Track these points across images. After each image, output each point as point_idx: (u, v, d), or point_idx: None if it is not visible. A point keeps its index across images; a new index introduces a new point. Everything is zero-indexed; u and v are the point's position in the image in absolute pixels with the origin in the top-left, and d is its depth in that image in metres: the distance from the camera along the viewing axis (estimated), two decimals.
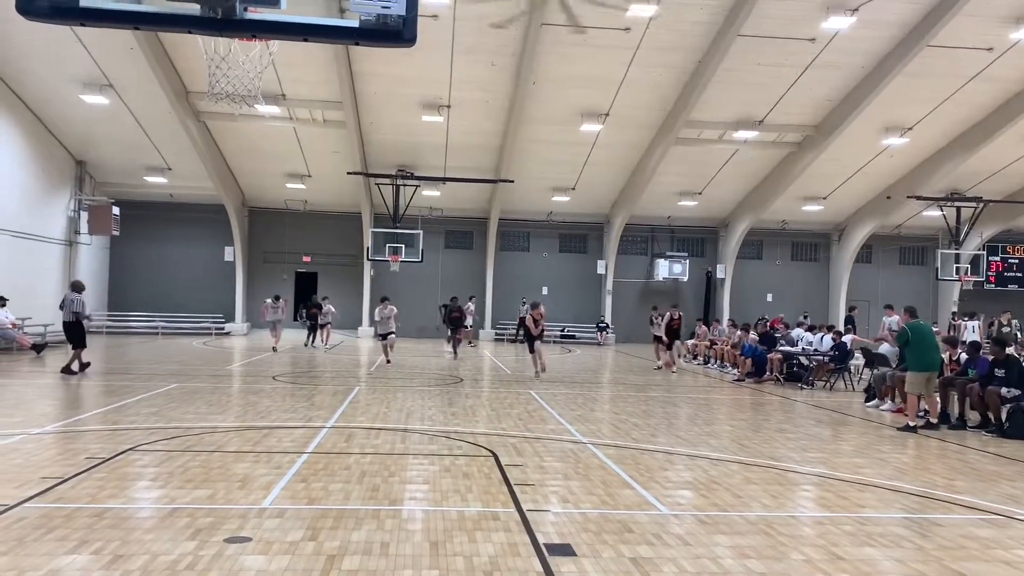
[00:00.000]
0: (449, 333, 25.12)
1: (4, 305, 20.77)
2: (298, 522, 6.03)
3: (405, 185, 29.35)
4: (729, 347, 21.61)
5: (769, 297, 35.27)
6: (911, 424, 11.88)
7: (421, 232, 30.29)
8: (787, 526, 6.41)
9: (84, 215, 28.81)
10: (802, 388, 17.55)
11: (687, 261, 34.39)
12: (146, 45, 21.74)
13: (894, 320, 19.28)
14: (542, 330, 18.56)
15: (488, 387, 16.17)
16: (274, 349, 24.09)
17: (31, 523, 5.80)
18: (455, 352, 24.16)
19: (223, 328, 31.94)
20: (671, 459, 9.04)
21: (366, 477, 7.58)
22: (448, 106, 25.51)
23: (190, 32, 4.49)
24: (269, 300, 25.09)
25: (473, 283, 33.37)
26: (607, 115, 25.84)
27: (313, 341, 27.15)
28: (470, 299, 31.18)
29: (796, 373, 18.79)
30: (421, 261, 30.27)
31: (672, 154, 27.86)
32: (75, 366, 16.06)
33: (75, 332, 16.19)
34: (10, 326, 20.47)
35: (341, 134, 27.12)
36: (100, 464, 7.78)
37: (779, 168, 29.98)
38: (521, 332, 29.14)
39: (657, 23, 21.09)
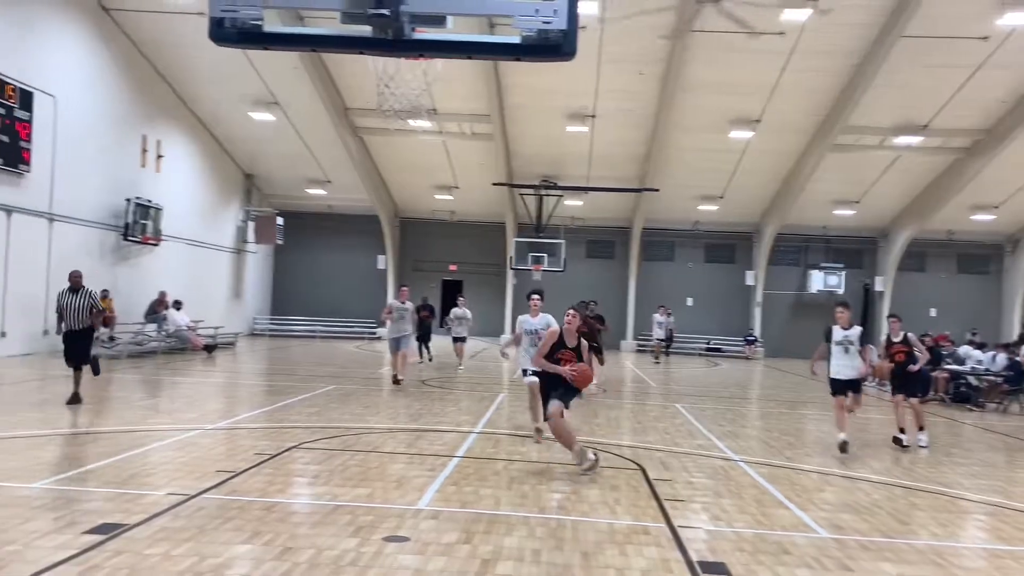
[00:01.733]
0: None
1: (180, 308, 22.45)
2: (452, 524, 6.18)
3: (548, 195, 29.62)
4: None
5: (933, 312, 33.06)
6: None
7: (564, 241, 30.47)
8: (960, 557, 6.00)
9: (251, 225, 30.80)
10: (971, 410, 16.38)
11: (843, 273, 32.79)
12: (310, 65, 23.02)
13: None
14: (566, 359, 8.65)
15: (631, 399, 16.03)
16: (396, 380, 15.62)
17: (209, 513, 6.23)
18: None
19: (375, 333, 33.23)
20: (828, 480, 8.66)
21: (515, 484, 7.68)
22: (593, 116, 25.56)
23: (362, 52, 4.73)
24: (394, 300, 16.78)
25: (615, 293, 33.18)
26: (758, 121, 25.13)
27: (427, 355, 21.69)
28: (659, 307, 28.15)
29: (964, 394, 17.55)
30: (563, 270, 30.41)
31: (828, 161, 26.75)
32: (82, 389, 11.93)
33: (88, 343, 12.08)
34: (186, 328, 22.10)
35: (487, 146, 27.70)
36: (268, 460, 8.27)
37: (945, 175, 28.17)
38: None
39: (813, 26, 20.33)
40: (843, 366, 10.45)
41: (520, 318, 10.61)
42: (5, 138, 17.39)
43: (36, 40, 18.66)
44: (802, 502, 7.47)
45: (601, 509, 6.88)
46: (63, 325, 11.85)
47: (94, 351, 12.52)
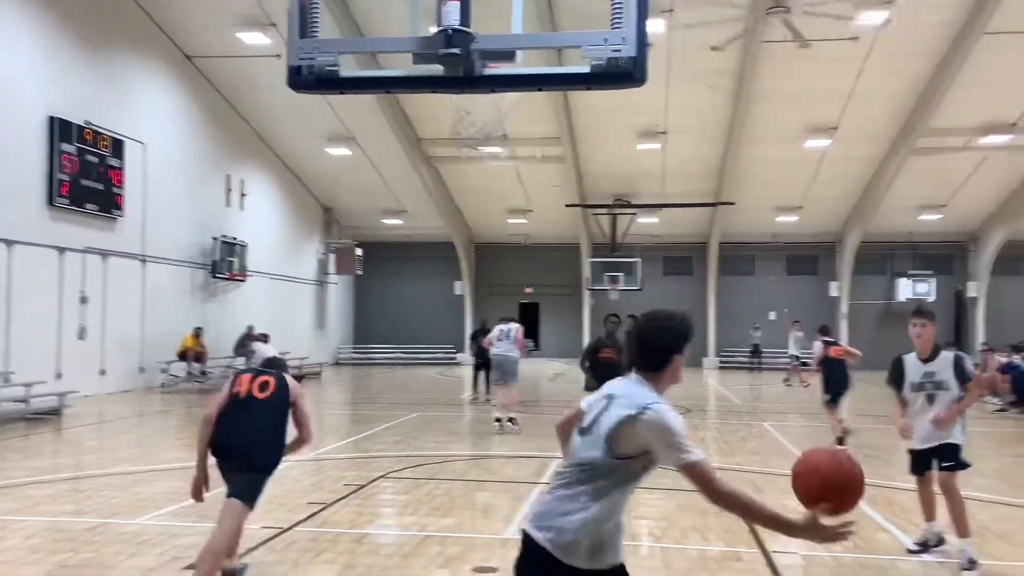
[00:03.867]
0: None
1: (268, 341, 23.03)
2: None
3: (622, 214, 29.47)
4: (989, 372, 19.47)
5: None
6: None
7: (639, 260, 30.26)
8: None
9: (332, 257, 31.57)
10: None
11: (933, 280, 31.58)
12: (382, 99, 23.50)
13: None
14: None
15: (716, 418, 15.73)
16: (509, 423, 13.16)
17: (303, 546, 6.36)
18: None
19: (454, 358, 33.54)
20: None
21: None
22: (664, 132, 25.38)
23: (435, 91, 4.81)
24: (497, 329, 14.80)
25: (695, 310, 32.66)
26: (835, 129, 24.54)
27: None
28: (794, 323, 25.77)
29: None
30: (640, 289, 30.15)
31: (910, 165, 25.89)
32: None
33: None
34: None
35: (559, 168, 27.78)
36: (356, 491, 8.40)
37: None
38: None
39: (889, 29, 19.79)
40: (925, 427, 6.16)
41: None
42: (100, 186, 18.27)
43: (126, 91, 19.61)
44: (903, 524, 7.18)
45: (692, 535, 6.76)
46: None
47: None
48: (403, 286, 34.55)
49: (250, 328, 23.11)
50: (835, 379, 11.93)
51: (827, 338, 12.59)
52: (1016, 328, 30.51)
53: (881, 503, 8.04)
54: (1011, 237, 30.11)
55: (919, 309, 6.41)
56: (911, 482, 9.05)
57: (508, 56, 4.66)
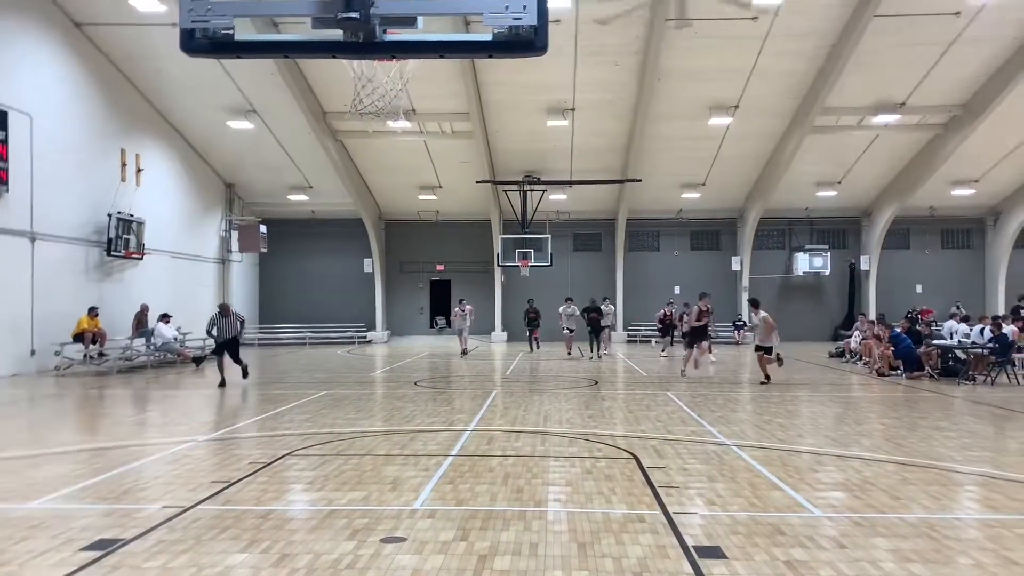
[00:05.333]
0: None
1: (168, 321, 22.34)
2: (448, 522, 6.21)
3: (532, 190, 29.64)
4: (874, 339, 20.49)
5: (919, 288, 33.37)
6: None
7: (549, 236, 30.54)
8: (952, 529, 6.07)
9: (235, 234, 30.69)
10: (960, 384, 16.51)
11: (828, 254, 33.07)
12: (285, 71, 22.95)
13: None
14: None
15: (623, 389, 16.09)
16: (463, 352, 25.60)
17: (206, 524, 6.23)
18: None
19: (365, 337, 33.22)
20: (821, 460, 8.73)
21: (510, 479, 7.71)
22: (573, 109, 25.61)
23: (334, 57, 4.73)
24: (456, 308, 26.82)
25: (603, 285, 33.26)
26: (736, 107, 25.24)
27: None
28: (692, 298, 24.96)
29: (952, 368, 17.70)
30: (550, 265, 30.47)
31: (808, 143, 26.89)
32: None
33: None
34: (173, 340, 22.00)
35: (469, 144, 27.69)
36: (262, 468, 8.26)
37: (924, 151, 28.38)
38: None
39: (787, 9, 20.42)
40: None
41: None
42: None
43: (8, 60, 18.53)
44: (795, 483, 7.53)
45: (596, 500, 6.92)
46: None
47: None
48: (311, 264, 33.95)
49: (143, 307, 22.38)
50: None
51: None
52: (904, 297, 32.34)
53: (776, 463, 8.40)
54: (899, 213, 31.68)
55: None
56: (804, 445, 9.59)
57: (409, 22, 4.62)
